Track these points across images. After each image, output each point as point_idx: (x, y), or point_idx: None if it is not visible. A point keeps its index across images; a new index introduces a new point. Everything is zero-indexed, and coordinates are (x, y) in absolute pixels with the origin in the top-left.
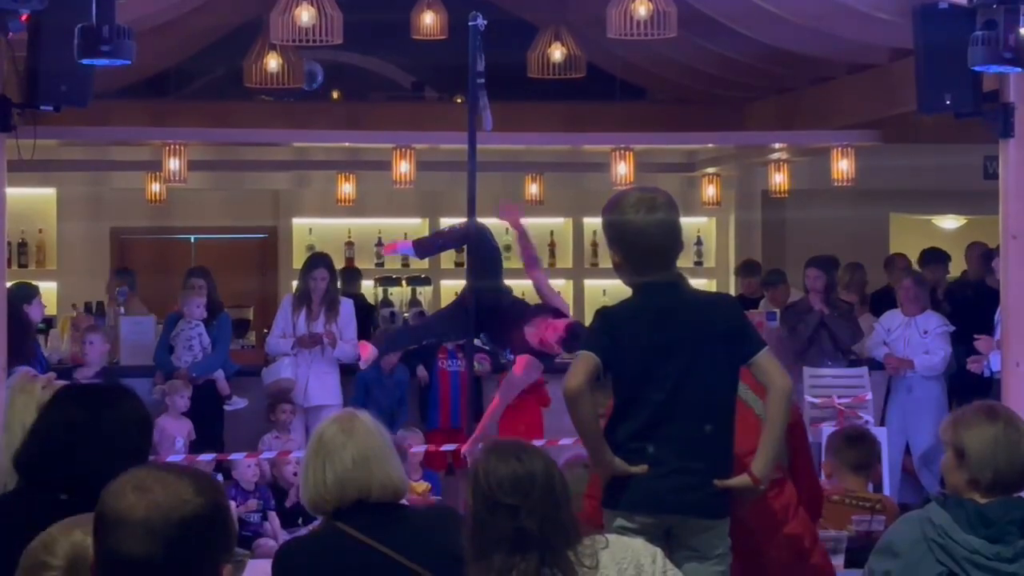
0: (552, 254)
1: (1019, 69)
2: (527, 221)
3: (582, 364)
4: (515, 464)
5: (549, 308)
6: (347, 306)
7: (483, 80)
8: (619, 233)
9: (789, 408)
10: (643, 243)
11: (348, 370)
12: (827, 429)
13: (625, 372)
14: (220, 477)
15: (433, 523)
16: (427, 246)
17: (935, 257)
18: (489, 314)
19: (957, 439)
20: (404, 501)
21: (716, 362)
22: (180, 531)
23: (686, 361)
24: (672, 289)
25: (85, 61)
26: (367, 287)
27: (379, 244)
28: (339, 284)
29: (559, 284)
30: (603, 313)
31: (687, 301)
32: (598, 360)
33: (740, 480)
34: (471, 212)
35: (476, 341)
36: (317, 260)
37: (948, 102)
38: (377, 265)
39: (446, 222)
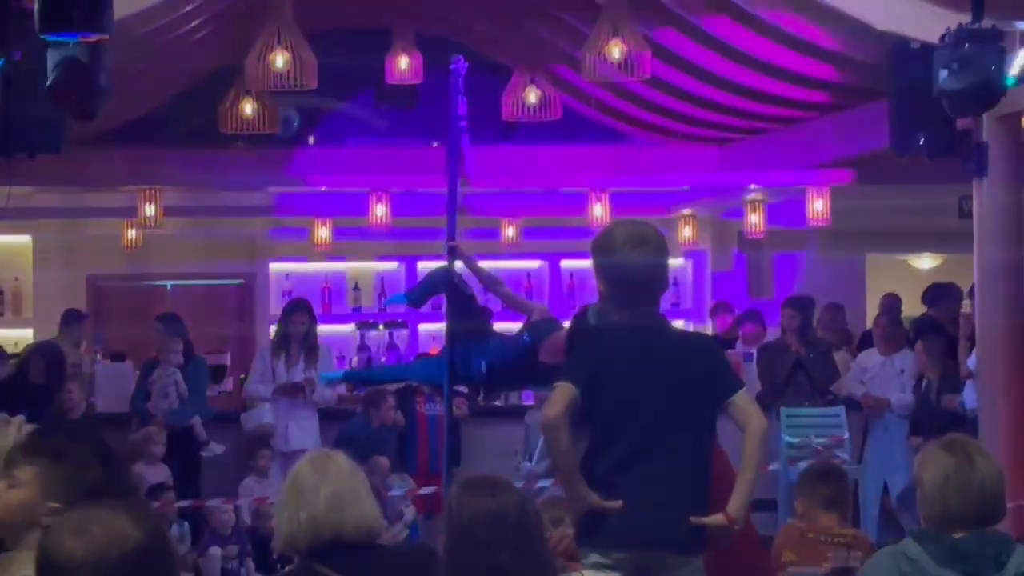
0: (528, 297)
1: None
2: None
3: (561, 395)
4: (488, 500)
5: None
6: (326, 351)
7: (465, 123)
8: (606, 267)
9: (765, 449)
10: (629, 279)
11: (327, 415)
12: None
13: (604, 406)
14: (188, 524)
15: (409, 562)
16: (415, 294)
17: (944, 293)
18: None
19: (918, 473)
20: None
21: (694, 400)
22: (125, 567)
23: (665, 398)
24: (654, 326)
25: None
26: (344, 331)
27: (356, 290)
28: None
29: None
30: (584, 345)
31: (668, 339)
32: (576, 392)
33: (715, 519)
34: (450, 256)
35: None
36: (297, 305)
37: (922, 142)
38: (354, 310)
39: (423, 266)
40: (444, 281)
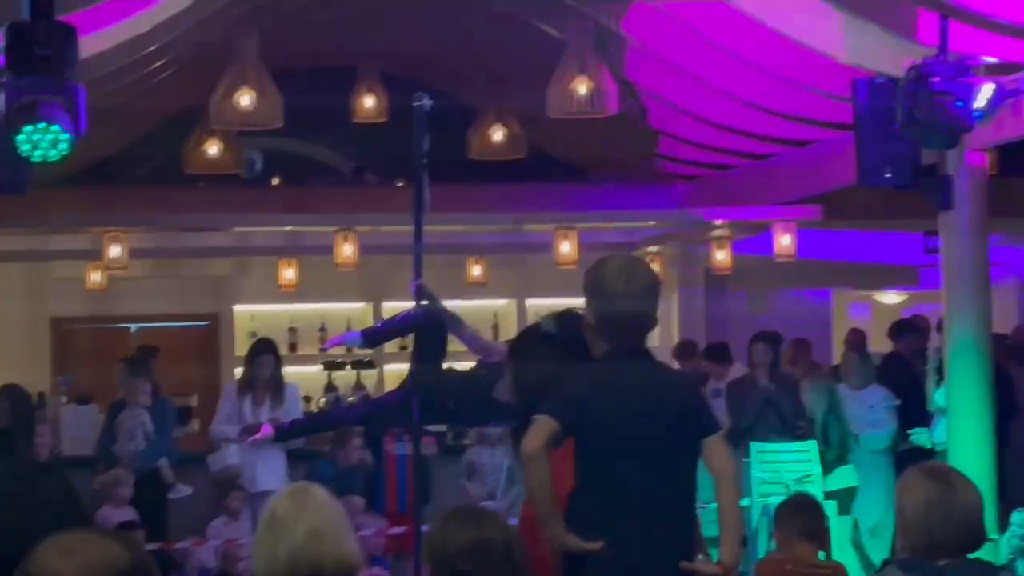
0: (495, 336)
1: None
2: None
3: (541, 428)
4: (474, 531)
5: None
6: (292, 391)
7: (426, 160)
8: (595, 301)
9: (740, 491)
10: (617, 314)
11: (295, 455)
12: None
13: (586, 442)
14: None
15: None
16: (375, 335)
17: (910, 328)
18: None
19: (898, 502)
20: None
21: (677, 439)
22: None
23: (648, 435)
24: (639, 363)
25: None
26: (312, 372)
27: (322, 330)
28: None
29: None
30: (567, 379)
31: (651, 375)
32: (558, 426)
33: (707, 566)
34: (418, 296)
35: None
36: (262, 346)
37: (887, 175)
38: (321, 350)
39: (389, 306)
40: (423, 321)
